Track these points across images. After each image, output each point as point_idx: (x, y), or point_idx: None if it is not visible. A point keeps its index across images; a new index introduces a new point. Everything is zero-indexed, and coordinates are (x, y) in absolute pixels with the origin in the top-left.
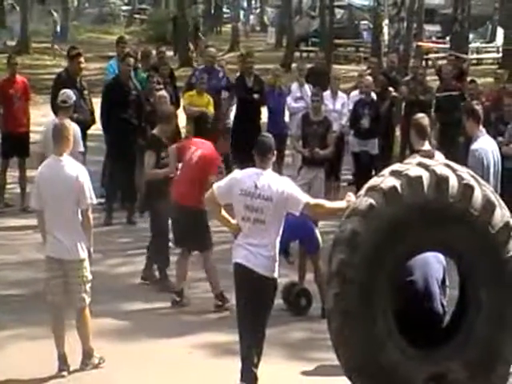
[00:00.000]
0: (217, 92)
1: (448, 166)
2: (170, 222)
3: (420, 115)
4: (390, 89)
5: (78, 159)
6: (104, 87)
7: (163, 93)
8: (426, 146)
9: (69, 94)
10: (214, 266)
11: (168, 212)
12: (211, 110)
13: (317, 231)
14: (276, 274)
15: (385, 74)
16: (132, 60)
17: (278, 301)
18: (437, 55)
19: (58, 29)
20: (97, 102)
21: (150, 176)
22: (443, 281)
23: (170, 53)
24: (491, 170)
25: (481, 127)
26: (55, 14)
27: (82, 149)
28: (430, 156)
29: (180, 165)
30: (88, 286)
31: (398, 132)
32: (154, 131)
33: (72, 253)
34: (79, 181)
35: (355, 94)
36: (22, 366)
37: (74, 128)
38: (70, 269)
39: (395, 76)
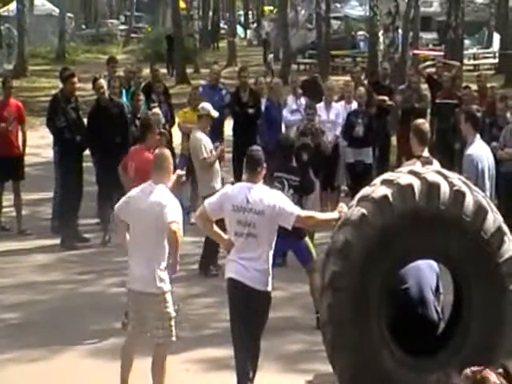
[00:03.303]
0: (219, 109)
1: (439, 172)
2: None
3: (420, 121)
4: (383, 97)
5: None
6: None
7: (156, 110)
8: (426, 153)
9: (206, 104)
10: None
11: None
12: None
13: (307, 241)
14: (269, 288)
15: (378, 83)
16: (102, 82)
17: (273, 313)
18: (426, 64)
19: None
20: None
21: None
22: (437, 288)
23: (164, 70)
24: (486, 175)
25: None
26: None
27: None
28: (429, 162)
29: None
30: (169, 322)
31: (394, 141)
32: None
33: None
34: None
35: (341, 104)
36: None
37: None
38: (147, 302)
39: (389, 84)
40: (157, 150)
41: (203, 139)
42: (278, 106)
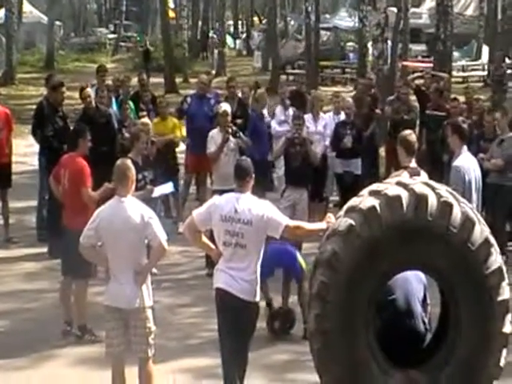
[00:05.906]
0: (208, 119)
1: (427, 184)
2: None
3: (407, 132)
4: (377, 111)
5: None
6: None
7: (146, 119)
8: (413, 164)
9: (225, 106)
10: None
11: None
12: (178, 133)
13: (300, 258)
14: (258, 298)
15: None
16: (89, 91)
17: (261, 323)
18: (415, 75)
19: None
20: None
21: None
22: (424, 299)
23: (156, 80)
24: (473, 187)
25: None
26: None
27: None
28: (417, 173)
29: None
30: (151, 337)
31: (383, 152)
32: (130, 154)
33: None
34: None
35: (329, 115)
36: None
37: None
38: (132, 319)
39: (375, 93)
40: (118, 161)
41: (211, 135)
42: (261, 116)
